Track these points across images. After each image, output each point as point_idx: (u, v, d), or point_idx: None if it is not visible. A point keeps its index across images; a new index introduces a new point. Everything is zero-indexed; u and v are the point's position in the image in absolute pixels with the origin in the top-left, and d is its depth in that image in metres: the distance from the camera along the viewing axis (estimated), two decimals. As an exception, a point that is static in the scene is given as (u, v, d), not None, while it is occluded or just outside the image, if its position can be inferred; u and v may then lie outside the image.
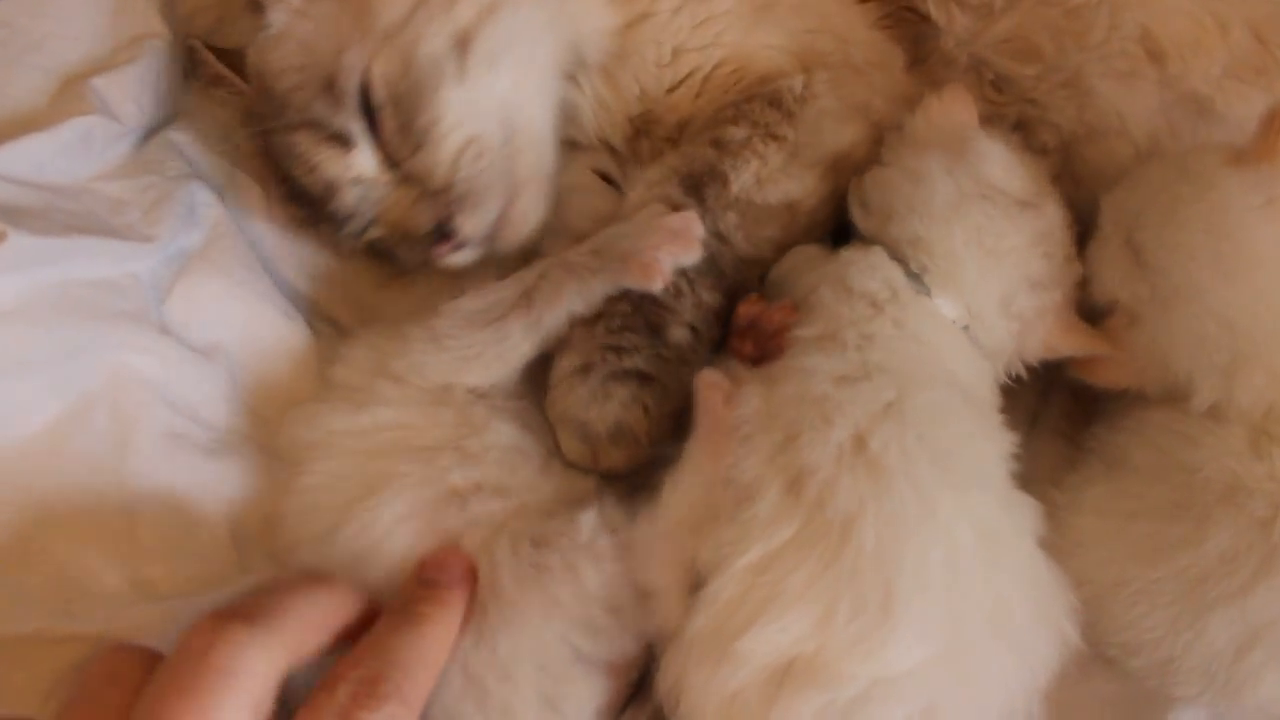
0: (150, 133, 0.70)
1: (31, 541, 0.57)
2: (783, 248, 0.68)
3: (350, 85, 0.63)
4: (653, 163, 0.70)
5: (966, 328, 0.63)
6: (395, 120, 0.63)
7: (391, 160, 0.65)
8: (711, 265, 0.65)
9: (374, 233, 0.68)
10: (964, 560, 0.51)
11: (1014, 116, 0.74)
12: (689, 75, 0.72)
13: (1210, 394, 0.60)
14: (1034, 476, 0.62)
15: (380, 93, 0.63)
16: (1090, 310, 0.66)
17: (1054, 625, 0.54)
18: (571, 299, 0.61)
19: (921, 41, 0.76)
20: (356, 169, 0.65)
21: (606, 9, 0.70)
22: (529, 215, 0.67)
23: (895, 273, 0.62)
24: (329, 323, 0.72)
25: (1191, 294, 0.60)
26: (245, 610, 0.48)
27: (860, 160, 0.70)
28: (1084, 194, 0.69)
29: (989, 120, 0.71)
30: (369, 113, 0.63)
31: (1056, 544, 0.59)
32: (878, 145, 0.70)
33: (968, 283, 0.62)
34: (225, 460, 0.63)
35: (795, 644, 0.49)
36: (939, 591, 0.50)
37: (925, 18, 0.75)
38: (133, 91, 0.68)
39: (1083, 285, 0.66)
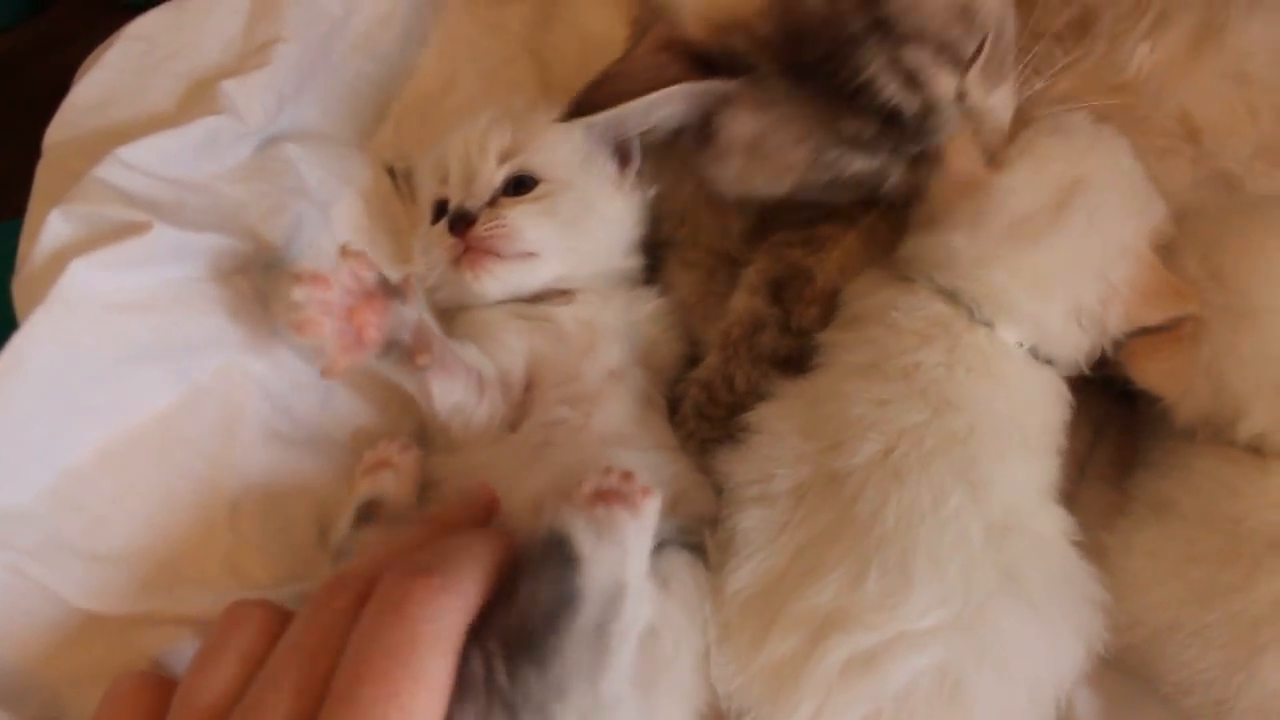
0: (268, 139, 0.72)
1: (143, 526, 0.58)
2: None
3: (984, 14, 0.65)
4: (749, 266, 0.74)
5: (1034, 347, 0.65)
6: (990, 51, 0.66)
7: (960, 92, 0.67)
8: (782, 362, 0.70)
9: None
10: (975, 544, 0.57)
11: None
12: None
13: (1262, 419, 0.62)
14: (1085, 524, 0.63)
15: (991, 26, 0.66)
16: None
17: (1080, 616, 0.58)
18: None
19: None
20: (955, 92, 0.66)
21: None
22: None
23: (941, 308, 0.64)
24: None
25: (1270, 316, 0.62)
26: (431, 565, 0.46)
27: None
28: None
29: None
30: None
31: (1110, 587, 0.60)
32: None
33: (1024, 313, 0.64)
34: (318, 460, 0.65)
35: (831, 601, 0.56)
36: (952, 566, 0.56)
37: None
38: (259, 95, 0.70)
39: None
